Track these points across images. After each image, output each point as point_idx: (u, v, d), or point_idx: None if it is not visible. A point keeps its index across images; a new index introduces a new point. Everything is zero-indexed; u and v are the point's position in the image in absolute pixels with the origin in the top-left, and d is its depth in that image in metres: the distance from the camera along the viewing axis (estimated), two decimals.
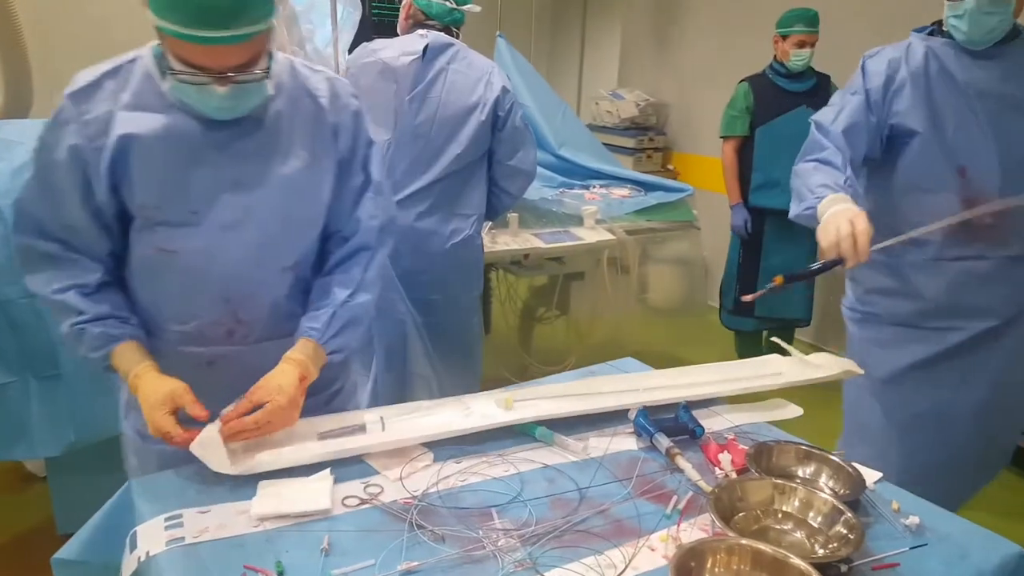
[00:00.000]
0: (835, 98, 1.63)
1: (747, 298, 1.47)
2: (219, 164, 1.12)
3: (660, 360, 1.59)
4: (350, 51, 2.28)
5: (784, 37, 3.01)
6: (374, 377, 2.29)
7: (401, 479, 1.10)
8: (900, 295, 1.64)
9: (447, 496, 1.06)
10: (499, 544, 0.94)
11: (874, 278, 1.69)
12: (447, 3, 2.14)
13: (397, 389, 2.32)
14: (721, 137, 3.21)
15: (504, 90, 2.14)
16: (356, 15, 2.42)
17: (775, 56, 3.08)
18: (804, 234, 3.26)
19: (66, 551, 1.06)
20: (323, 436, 1.17)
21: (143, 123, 1.09)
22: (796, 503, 0.98)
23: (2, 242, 1.82)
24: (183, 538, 0.95)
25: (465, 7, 2.18)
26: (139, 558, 0.93)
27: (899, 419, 1.66)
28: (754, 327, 3.30)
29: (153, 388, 1.11)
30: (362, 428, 1.19)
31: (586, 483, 1.09)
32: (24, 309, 1.83)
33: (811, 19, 2.98)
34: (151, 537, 0.96)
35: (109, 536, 1.04)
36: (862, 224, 1.34)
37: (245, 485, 1.05)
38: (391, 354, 2.25)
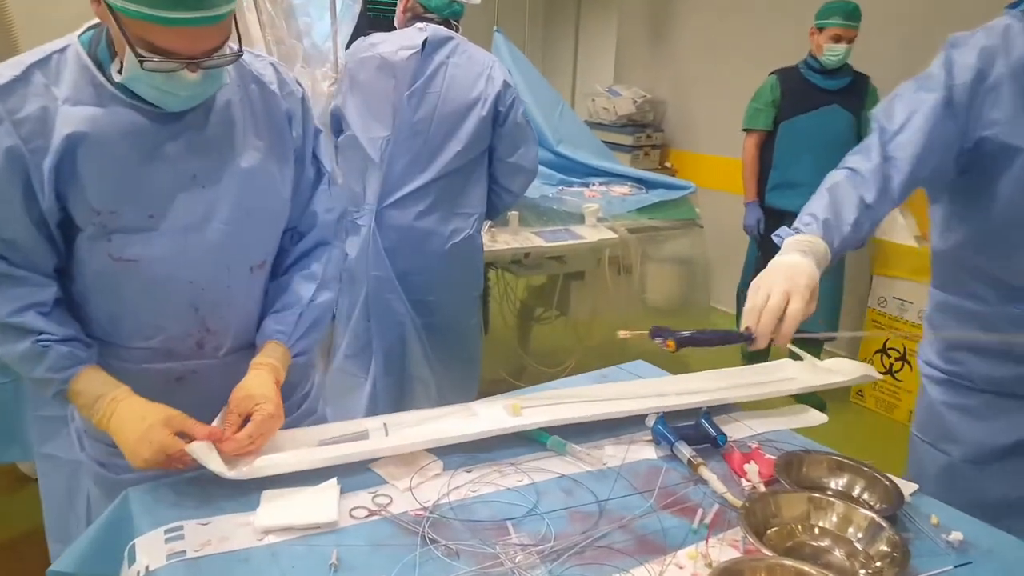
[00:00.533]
0: (905, 90, 1.22)
1: (623, 334, 1.13)
2: (174, 160, 1.04)
3: (663, 362, 1.55)
4: (347, 46, 2.23)
5: (820, 29, 2.86)
6: (372, 380, 2.24)
7: (411, 489, 1.05)
8: (998, 356, 1.23)
9: (459, 508, 1.01)
10: (517, 560, 0.90)
11: (961, 330, 1.29)
12: None
13: (396, 392, 2.27)
14: (743, 130, 3.10)
15: (505, 85, 2.09)
16: (355, 7, 2.36)
17: (810, 50, 2.94)
18: None
19: (62, 563, 1.01)
20: (324, 443, 1.12)
21: (90, 120, 0.98)
22: (834, 518, 0.94)
23: None
24: (184, 552, 0.90)
25: None
26: (139, 572, 0.88)
27: (997, 505, 1.23)
28: None
29: (148, 411, 1.03)
30: (364, 435, 1.14)
31: (605, 494, 1.05)
32: None
33: (850, 12, 2.80)
34: (151, 550, 0.91)
35: (106, 548, 0.99)
36: (797, 304, 1.03)
37: (247, 495, 1.00)
38: (390, 357, 2.20)
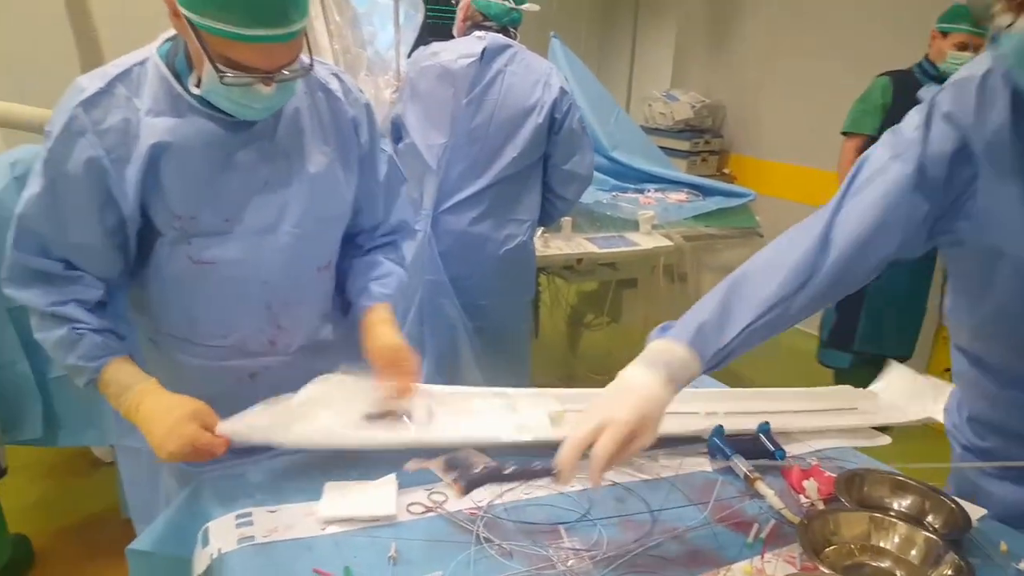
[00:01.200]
0: (883, 143, 0.97)
1: (410, 466, 1.03)
2: (247, 167, 1.09)
3: (720, 375, 1.53)
4: (408, 54, 2.29)
5: (944, 34, 2.62)
6: (424, 381, 2.28)
7: None
8: (1015, 437, 1.06)
9: (512, 509, 1.03)
10: (569, 564, 0.91)
11: (975, 403, 1.11)
12: (506, 3, 2.12)
13: None
14: (844, 133, 2.83)
15: (562, 91, 2.12)
16: (418, 17, 2.43)
17: (927, 54, 2.72)
18: (928, 261, 2.78)
19: (140, 543, 1.07)
20: (370, 417, 1.12)
21: (171, 130, 1.04)
22: (896, 539, 0.92)
23: None
24: (253, 537, 0.95)
25: (523, 6, 2.16)
26: (211, 555, 0.94)
27: None
28: (850, 363, 2.97)
29: (175, 404, 1.05)
30: (408, 415, 1.14)
31: (657, 504, 1.05)
32: None
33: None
34: (223, 534, 0.96)
35: (180, 530, 1.05)
36: (606, 441, 0.84)
37: (311, 486, 1.05)
38: (441, 359, 2.25)
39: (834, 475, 1.07)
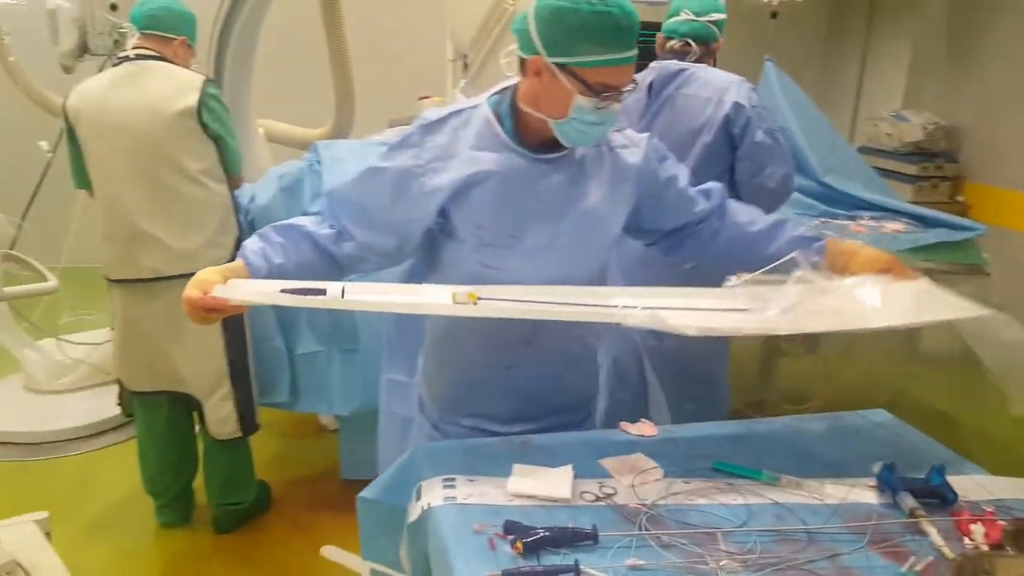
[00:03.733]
0: None
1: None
2: (536, 197, 1.32)
3: (916, 413, 1.49)
4: None
5: None
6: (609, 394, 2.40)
7: (633, 486, 1.20)
8: None
9: (675, 511, 1.14)
10: (722, 564, 1.00)
11: None
12: (685, 16, 2.16)
13: (631, 409, 2.39)
14: None
15: (736, 106, 2.08)
16: None
17: None
18: None
19: (368, 492, 1.33)
20: (284, 291, 1.19)
21: (489, 161, 1.28)
22: None
23: None
24: (455, 497, 1.16)
25: (704, 18, 2.15)
26: (423, 507, 1.17)
27: None
28: None
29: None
30: (323, 291, 1.20)
31: (816, 527, 1.10)
32: None
33: None
34: (432, 492, 1.18)
35: (399, 485, 1.30)
36: None
37: (503, 465, 1.23)
38: (625, 372, 2.32)
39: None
